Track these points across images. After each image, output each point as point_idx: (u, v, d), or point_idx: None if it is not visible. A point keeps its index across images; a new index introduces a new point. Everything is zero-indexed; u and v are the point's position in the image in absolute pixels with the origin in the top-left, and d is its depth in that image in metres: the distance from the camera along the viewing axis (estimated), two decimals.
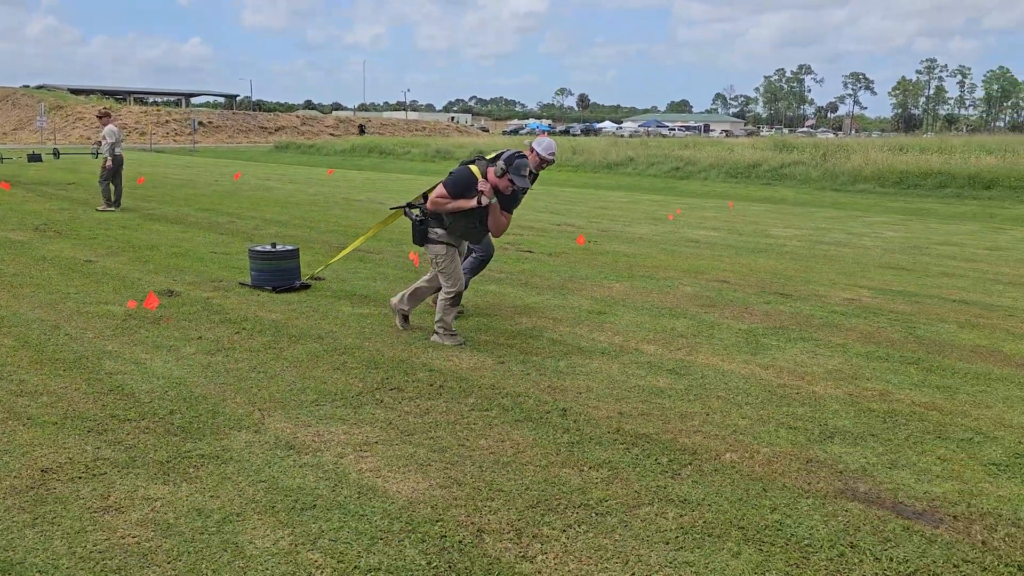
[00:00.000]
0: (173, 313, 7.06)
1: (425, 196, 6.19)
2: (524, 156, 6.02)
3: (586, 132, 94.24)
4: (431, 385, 5.28)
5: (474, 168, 5.98)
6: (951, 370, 5.85)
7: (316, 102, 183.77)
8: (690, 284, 8.81)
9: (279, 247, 8.22)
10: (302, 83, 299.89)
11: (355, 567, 3.09)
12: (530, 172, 6.43)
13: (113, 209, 14.60)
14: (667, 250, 11.47)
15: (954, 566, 3.21)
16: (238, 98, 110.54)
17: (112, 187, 14.74)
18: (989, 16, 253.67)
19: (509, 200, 6.17)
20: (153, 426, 4.47)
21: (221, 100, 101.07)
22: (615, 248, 11.51)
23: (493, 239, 6.84)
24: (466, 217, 6.00)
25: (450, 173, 6.04)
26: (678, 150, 32.91)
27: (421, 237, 6.11)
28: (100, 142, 15.12)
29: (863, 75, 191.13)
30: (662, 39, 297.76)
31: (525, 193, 6.50)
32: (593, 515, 3.56)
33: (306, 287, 8.14)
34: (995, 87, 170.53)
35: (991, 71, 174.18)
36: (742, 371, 5.71)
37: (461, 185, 5.90)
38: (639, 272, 9.50)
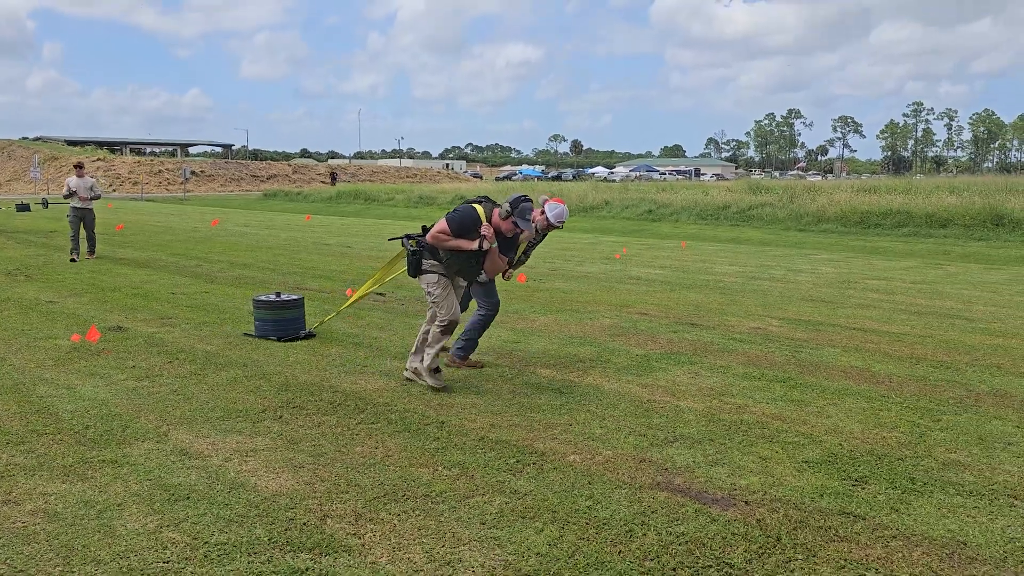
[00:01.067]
0: (115, 346, 7.63)
1: (425, 229, 6.11)
2: (530, 199, 5.99)
3: (577, 178, 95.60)
4: (331, 403, 5.85)
5: (479, 208, 5.91)
6: (813, 387, 6.42)
7: (312, 150, 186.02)
8: (611, 316, 9.40)
9: (283, 296, 8.16)
10: (299, 132, 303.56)
11: (205, 543, 3.64)
12: (537, 231, 6.58)
13: (74, 259, 14.38)
14: (605, 287, 12.08)
15: (723, 538, 3.76)
16: (235, 147, 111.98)
17: (78, 236, 14.67)
18: (977, 61, 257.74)
19: (509, 243, 6.20)
20: (67, 438, 5.02)
21: (218, 149, 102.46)
22: (556, 285, 12.12)
23: (497, 295, 6.87)
24: (463, 256, 5.94)
25: (454, 210, 5.97)
26: (653, 194, 33.70)
27: (415, 268, 6.04)
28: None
29: (851, 119, 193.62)
30: (655, 85, 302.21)
31: (534, 247, 6.69)
32: (429, 504, 4.11)
33: (311, 336, 8.08)
34: (981, 129, 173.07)
35: (976, 114, 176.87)
36: (620, 390, 6.27)
37: (464, 224, 5.82)
38: (568, 307, 10.09)
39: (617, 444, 5.03)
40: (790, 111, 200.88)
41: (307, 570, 3.40)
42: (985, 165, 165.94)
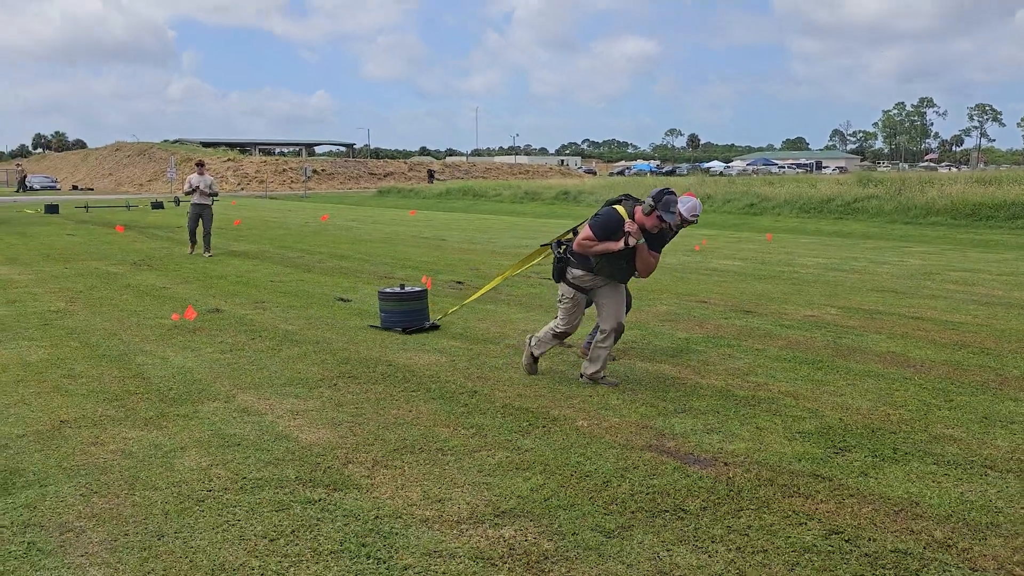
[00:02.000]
0: (210, 325, 8.58)
1: (575, 231, 6.21)
2: (673, 192, 5.87)
3: (692, 172, 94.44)
4: (382, 375, 6.53)
5: (620, 208, 5.86)
6: (840, 369, 6.67)
7: (431, 148, 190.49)
8: (668, 304, 9.76)
9: (407, 288, 8.28)
10: (419, 130, 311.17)
11: (244, 477, 4.35)
12: (670, 227, 6.41)
13: (191, 252, 15.39)
14: (677, 277, 12.39)
15: (688, 489, 4.20)
16: (357, 146, 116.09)
17: (195, 232, 15.53)
18: None
19: (657, 239, 6.09)
20: (152, 397, 5.89)
21: (342, 149, 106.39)
22: None
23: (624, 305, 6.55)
24: (614, 258, 5.89)
25: (596, 215, 5.94)
26: (758, 187, 33.28)
27: (559, 274, 6.10)
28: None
29: (990, 106, 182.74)
30: (777, 76, 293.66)
31: (675, 234, 6.51)
32: (439, 456, 4.70)
33: (435, 327, 8.22)
34: None
35: None
36: (651, 368, 6.70)
37: (608, 227, 5.80)
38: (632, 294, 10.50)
39: (627, 413, 5.50)
40: (922, 100, 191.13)
41: (319, 500, 4.06)
42: None
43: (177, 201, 37.05)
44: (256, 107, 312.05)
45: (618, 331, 6.12)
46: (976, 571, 3.39)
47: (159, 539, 3.65)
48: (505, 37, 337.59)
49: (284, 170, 65.72)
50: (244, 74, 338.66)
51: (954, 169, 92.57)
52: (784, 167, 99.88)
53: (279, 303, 10.00)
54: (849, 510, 3.97)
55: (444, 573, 3.35)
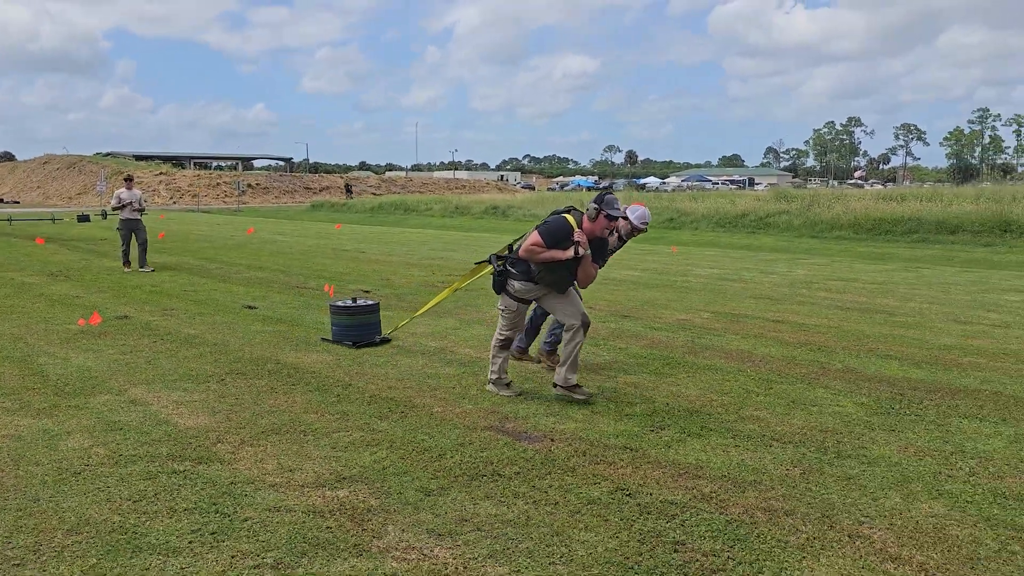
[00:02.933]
0: (116, 330, 9.02)
1: (509, 247, 6.30)
2: (612, 192, 6.02)
3: (629, 188, 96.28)
4: (269, 371, 7.10)
5: (569, 218, 5.89)
6: (685, 363, 7.45)
7: (371, 163, 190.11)
8: None
9: (360, 302, 8.30)
10: (359, 145, 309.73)
11: (120, 455, 4.90)
12: (619, 237, 6.66)
13: (127, 270, 14.93)
14: None
15: (510, 459, 4.87)
16: (296, 160, 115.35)
17: (129, 247, 15.13)
18: None
19: (600, 250, 6.15)
20: (48, 391, 6.37)
21: (280, 163, 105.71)
22: None
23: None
24: (557, 267, 5.92)
25: (544, 222, 5.97)
26: (679, 203, 34.49)
27: (500, 287, 6.16)
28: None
29: (915, 126, 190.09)
30: (715, 94, 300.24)
31: (613, 253, 6.67)
32: (301, 437, 5.31)
33: (387, 341, 8.29)
34: None
35: None
36: (519, 365, 7.38)
37: (557, 235, 5.81)
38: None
39: (480, 402, 6.17)
40: (850, 119, 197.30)
41: (184, 471, 4.64)
42: None
43: (104, 214, 36.81)
44: (193, 120, 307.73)
45: (585, 325, 6.10)
46: (724, 514, 4.12)
47: (35, 503, 4.19)
48: (446, 53, 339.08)
49: (218, 184, 65.31)
50: (180, 87, 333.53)
51: (879, 186, 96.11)
52: (718, 183, 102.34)
53: (187, 310, 10.46)
54: (641, 473, 4.69)
55: (278, 523, 3.96)
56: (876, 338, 8.73)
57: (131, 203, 15.17)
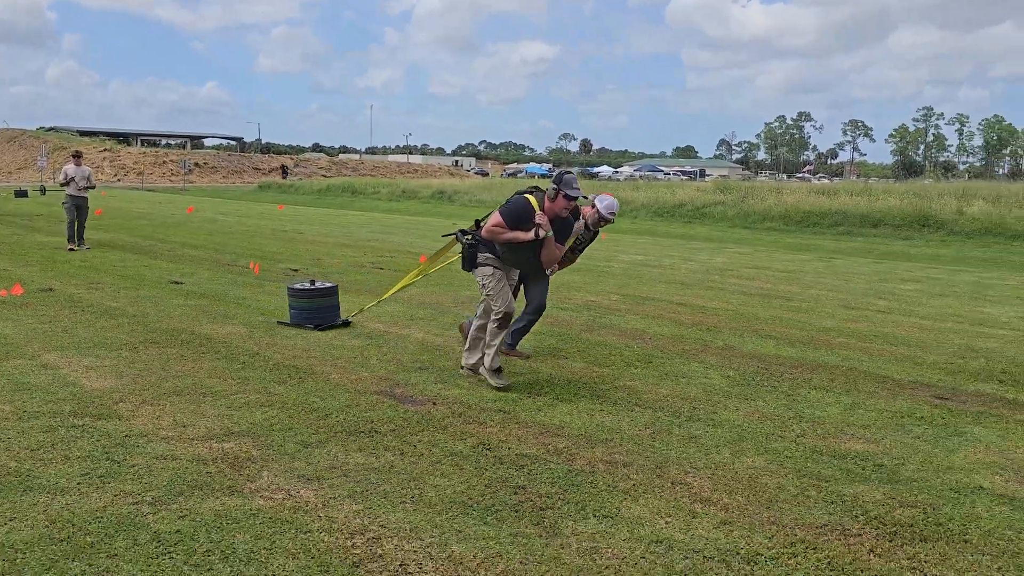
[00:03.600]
0: (39, 301, 9.27)
1: (477, 223, 6.23)
2: (571, 172, 6.00)
3: (582, 176, 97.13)
4: (182, 342, 7.45)
5: (531, 199, 5.90)
6: (576, 339, 7.98)
7: (325, 145, 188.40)
8: (472, 291, 10.96)
9: (318, 284, 8.22)
10: (314, 126, 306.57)
11: (25, 411, 5.25)
12: (586, 226, 6.76)
13: (75, 247, 14.62)
14: None
15: (390, 419, 5.34)
16: (248, 140, 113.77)
17: (75, 224, 14.89)
18: (998, 65, 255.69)
19: (560, 231, 6.13)
20: None
21: (232, 143, 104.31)
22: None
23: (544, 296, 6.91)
24: (519, 248, 5.95)
25: (507, 202, 5.97)
26: (620, 192, 35.17)
27: (470, 262, 6.08)
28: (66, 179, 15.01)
29: (861, 122, 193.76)
30: (672, 85, 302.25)
31: (586, 246, 6.90)
32: (200, 398, 5.70)
33: (347, 324, 8.28)
34: (992, 135, 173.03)
35: (986, 119, 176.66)
36: (425, 339, 7.84)
37: (519, 216, 5.82)
38: (445, 283, 11.67)
39: (377, 369, 6.62)
40: (800, 114, 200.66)
41: (83, 425, 5.02)
42: (997, 171, 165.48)
43: (43, 190, 36.34)
44: (142, 96, 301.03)
45: (509, 318, 6.13)
46: (569, 466, 4.63)
47: None
48: (404, 35, 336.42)
49: (164, 162, 64.53)
50: (129, 62, 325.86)
51: (825, 180, 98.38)
52: (670, 174, 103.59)
53: (114, 284, 10.72)
54: (507, 431, 5.19)
55: (162, 468, 4.38)
56: (765, 320, 9.37)
57: (75, 179, 14.93)
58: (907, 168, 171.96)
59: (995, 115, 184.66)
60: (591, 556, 3.54)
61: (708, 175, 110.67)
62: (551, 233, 5.91)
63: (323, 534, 3.67)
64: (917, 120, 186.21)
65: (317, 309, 8.02)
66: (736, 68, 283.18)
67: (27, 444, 4.67)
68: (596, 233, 6.94)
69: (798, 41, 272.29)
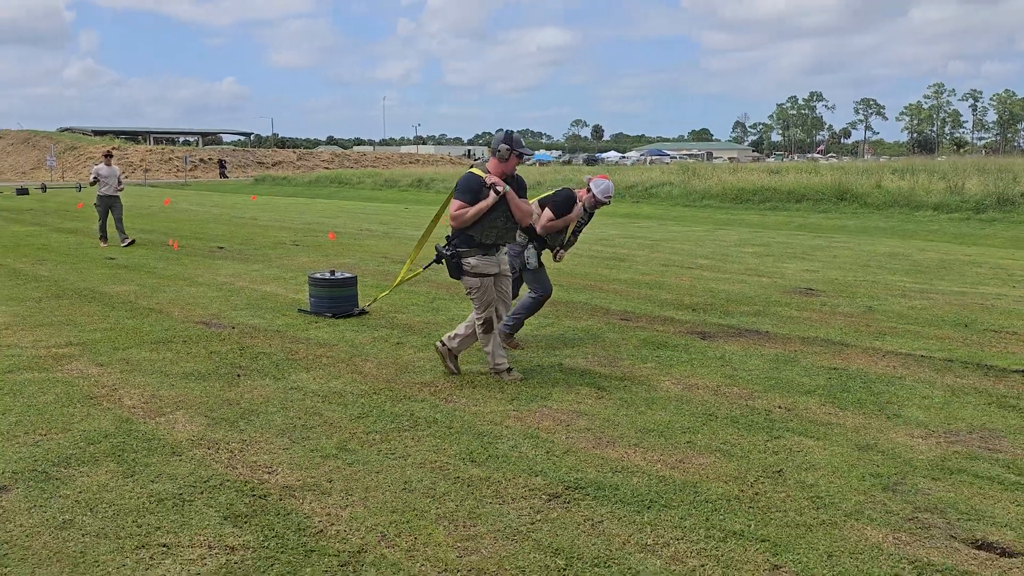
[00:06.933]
0: None
1: (449, 239, 6.07)
2: (513, 131, 5.96)
3: (589, 162, 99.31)
4: (85, 299, 9.63)
5: (476, 170, 5.97)
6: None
7: (339, 137, 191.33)
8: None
9: (338, 274, 8.47)
10: (330, 119, 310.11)
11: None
12: (584, 209, 6.97)
13: (104, 245, 15.06)
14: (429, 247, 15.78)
15: (193, 334, 7.50)
16: (262, 135, 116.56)
17: (106, 223, 15.42)
18: (1020, 39, 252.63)
19: (520, 188, 6.06)
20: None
21: (247, 138, 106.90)
22: (408, 233, 15.84)
23: (548, 281, 7.11)
24: (493, 216, 5.92)
25: (457, 185, 6.01)
26: (584, 174, 37.11)
27: (456, 271, 6.06)
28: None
29: (874, 100, 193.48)
30: (689, 68, 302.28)
31: (583, 227, 7.13)
32: (64, 327, 7.88)
33: (364, 313, 8.53)
34: (1004, 111, 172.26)
35: (997, 94, 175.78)
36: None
37: (473, 189, 5.88)
38: (393, 259, 13.83)
39: (210, 308, 8.77)
40: (812, 94, 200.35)
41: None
42: (1018, 145, 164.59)
43: (44, 188, 38.88)
44: (160, 94, 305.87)
45: (491, 324, 6.17)
46: (416, 402, 6.74)
47: None
48: (418, 25, 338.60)
49: (170, 159, 67.20)
50: (147, 60, 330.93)
51: (834, 160, 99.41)
52: (676, 157, 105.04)
53: (57, 260, 12.98)
54: (384, 371, 7.32)
55: (7, 357, 6.56)
56: (576, 275, 11.42)
57: (108, 180, 15.24)
58: (922, 146, 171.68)
59: (1006, 90, 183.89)
60: None
61: (716, 158, 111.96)
62: (508, 188, 5.90)
63: (85, 384, 5.84)
64: (928, 97, 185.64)
65: (335, 298, 8.34)
66: (753, 49, 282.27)
67: None
68: (592, 215, 7.19)
69: (815, 20, 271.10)
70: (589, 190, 7.00)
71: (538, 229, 6.72)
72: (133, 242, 15.38)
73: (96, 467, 4.38)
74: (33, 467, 4.37)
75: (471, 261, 6.00)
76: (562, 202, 6.83)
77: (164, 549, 3.48)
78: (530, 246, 6.92)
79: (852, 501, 4.01)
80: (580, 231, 7.23)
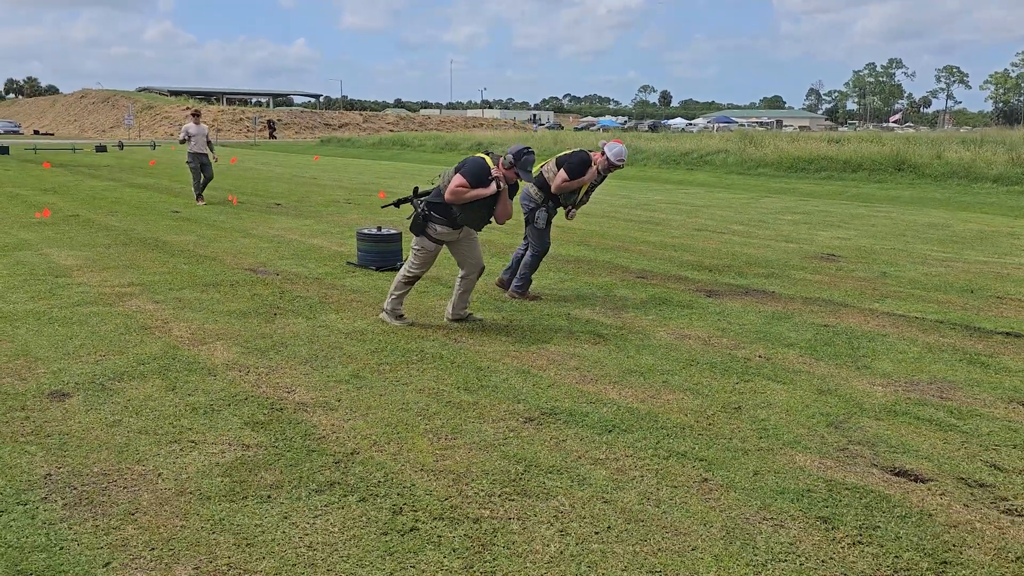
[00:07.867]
0: (64, 222, 12.53)
1: (416, 191, 6.41)
2: (532, 152, 6.19)
3: (653, 128, 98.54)
4: (145, 244, 10.51)
5: (487, 158, 6.19)
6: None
7: (407, 100, 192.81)
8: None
9: (383, 231, 8.81)
10: (398, 82, 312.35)
11: (15, 275, 8.37)
12: (598, 172, 7.23)
13: (201, 203, 15.39)
14: None
15: (239, 278, 8.26)
16: (332, 97, 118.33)
17: (199, 180, 15.74)
18: None
19: (511, 190, 6.35)
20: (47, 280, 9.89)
21: (316, 100, 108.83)
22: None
23: (549, 237, 7.50)
24: (479, 205, 6.17)
25: (463, 164, 6.17)
26: (641, 142, 37.23)
27: (419, 230, 6.31)
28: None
29: (957, 68, 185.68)
30: (762, 33, 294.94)
31: (595, 188, 7.43)
32: (125, 270, 8.72)
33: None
34: None
35: None
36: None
37: (480, 175, 6.07)
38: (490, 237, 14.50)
39: (257, 256, 9.54)
40: (891, 60, 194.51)
41: (45, 279, 8.08)
42: None
43: (121, 145, 40.59)
44: (234, 56, 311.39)
45: (480, 270, 6.60)
46: (428, 341, 7.44)
47: None
48: None
49: (240, 119, 69.06)
50: (222, 23, 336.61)
51: (911, 129, 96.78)
52: (745, 124, 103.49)
53: (128, 213, 13.96)
54: (406, 314, 8.02)
55: (77, 295, 7.39)
56: (615, 238, 11.89)
57: (196, 137, 15.48)
58: (1007, 116, 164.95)
59: None
60: None
61: (787, 126, 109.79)
62: (507, 186, 6.20)
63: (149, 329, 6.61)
64: (1016, 65, 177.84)
65: (380, 253, 8.74)
66: (831, 12, 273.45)
67: (8, 285, 7.78)
68: (604, 177, 7.45)
69: None
70: (603, 154, 7.35)
71: (553, 188, 7.19)
72: (204, 204, 15.52)
73: (144, 382, 5.12)
74: (92, 380, 5.13)
75: (437, 228, 6.28)
76: (577, 165, 7.23)
77: (192, 444, 4.18)
78: (542, 208, 7.41)
79: (794, 434, 4.51)
80: (592, 191, 7.62)
